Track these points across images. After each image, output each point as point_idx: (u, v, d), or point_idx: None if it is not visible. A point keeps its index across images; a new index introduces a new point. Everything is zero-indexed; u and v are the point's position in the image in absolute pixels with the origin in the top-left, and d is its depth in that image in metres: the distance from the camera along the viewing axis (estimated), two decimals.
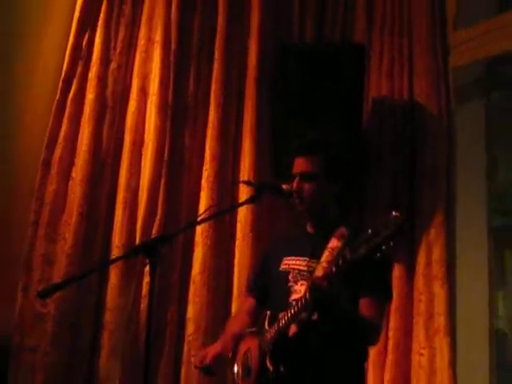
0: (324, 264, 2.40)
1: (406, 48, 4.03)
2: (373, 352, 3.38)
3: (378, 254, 2.09)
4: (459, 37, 4.02)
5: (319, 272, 2.37)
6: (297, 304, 2.33)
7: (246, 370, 2.53)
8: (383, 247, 2.05)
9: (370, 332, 2.49)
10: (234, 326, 2.77)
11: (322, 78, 3.65)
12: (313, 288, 2.24)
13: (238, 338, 2.60)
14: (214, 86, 3.83)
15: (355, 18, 4.23)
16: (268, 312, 2.54)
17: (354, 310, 2.45)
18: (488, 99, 4.16)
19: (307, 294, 2.27)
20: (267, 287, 2.70)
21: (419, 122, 3.90)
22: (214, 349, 2.65)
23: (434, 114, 3.86)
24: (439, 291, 3.62)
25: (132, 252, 2.69)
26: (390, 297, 2.64)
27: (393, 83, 4.02)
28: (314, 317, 2.35)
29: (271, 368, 2.40)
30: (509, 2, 4.08)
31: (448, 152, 3.83)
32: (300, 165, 2.60)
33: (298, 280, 2.52)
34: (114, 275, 3.60)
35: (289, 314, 2.36)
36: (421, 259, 3.71)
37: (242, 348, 2.56)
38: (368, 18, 4.19)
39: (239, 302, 3.53)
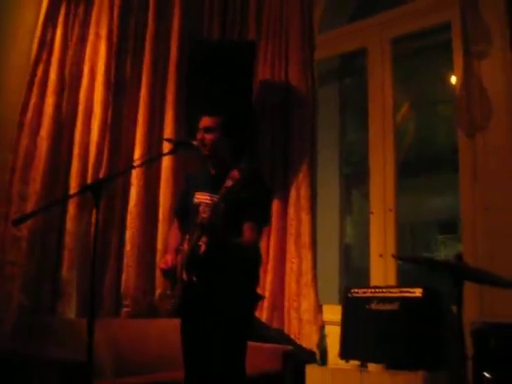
0: (220, 197, 2.74)
1: (284, 44, 5.13)
2: None
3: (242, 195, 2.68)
4: (322, 38, 5.25)
5: (215, 204, 2.73)
6: (197, 228, 2.77)
7: (174, 279, 2.94)
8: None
9: (246, 251, 2.92)
10: (173, 241, 3.16)
11: (225, 65, 4.54)
12: (205, 220, 2.69)
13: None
14: (145, 70, 4.52)
15: (249, 19, 5.22)
16: (187, 235, 2.96)
17: (235, 235, 2.86)
18: (341, 82, 5.50)
19: (202, 222, 2.71)
20: (187, 212, 3.10)
21: (292, 97, 5.02)
22: (171, 257, 2.98)
23: (302, 92, 4.98)
24: (305, 218, 4.76)
25: (81, 190, 3.07)
26: (267, 223, 3.15)
27: (274, 70, 5.14)
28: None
29: (186, 278, 2.83)
30: (355, 16, 5.33)
31: (312, 118, 4.96)
32: (204, 121, 3.06)
33: (205, 211, 2.82)
34: (71, 208, 4.08)
35: (193, 237, 2.80)
36: (292, 195, 4.87)
37: (174, 258, 2.97)
38: (258, 20, 5.25)
39: (168, 224, 4.15)
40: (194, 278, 2.80)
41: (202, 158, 3.13)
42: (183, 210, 3.20)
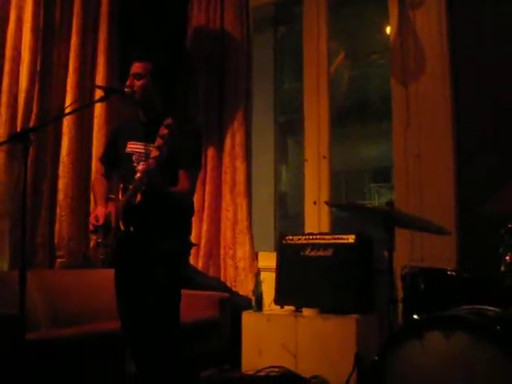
0: (156, 147, 2.72)
1: None
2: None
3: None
4: None
5: (154, 153, 2.72)
6: (137, 180, 2.78)
7: (107, 228, 2.95)
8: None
9: (183, 200, 2.99)
10: (101, 189, 3.18)
11: (157, 11, 4.53)
12: (145, 173, 2.71)
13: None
14: (75, 16, 4.39)
15: None
16: (121, 185, 2.94)
17: (170, 182, 2.90)
18: (276, 30, 5.48)
19: (141, 175, 2.74)
20: (116, 161, 3.12)
21: (227, 45, 4.99)
22: (102, 210, 2.98)
23: (237, 40, 4.96)
24: (240, 166, 4.83)
25: (10, 139, 3.00)
26: (199, 168, 3.14)
27: (209, 17, 5.07)
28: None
29: (123, 227, 2.85)
30: None
31: (247, 66, 4.95)
32: (134, 67, 3.03)
33: (140, 161, 2.95)
34: (0, 157, 4.03)
35: (132, 187, 2.80)
36: (227, 143, 4.91)
37: (106, 210, 2.97)
38: None
39: (96, 169, 4.15)
40: (131, 229, 2.83)
41: (133, 105, 3.10)
42: (111, 158, 3.21)
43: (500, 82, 4.00)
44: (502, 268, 2.52)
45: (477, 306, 2.59)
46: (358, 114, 6.05)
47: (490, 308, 2.56)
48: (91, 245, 3.96)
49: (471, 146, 4.05)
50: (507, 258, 2.49)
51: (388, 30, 4.71)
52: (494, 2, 4.09)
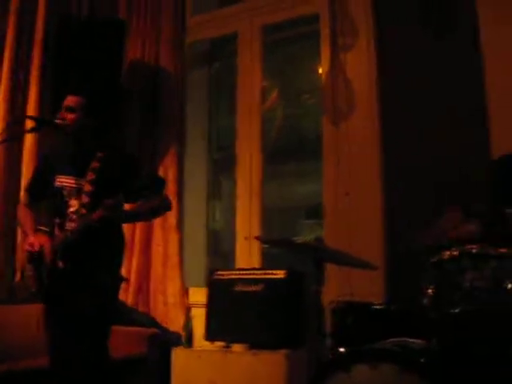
0: (88, 181, 2.82)
1: (155, 25, 5.09)
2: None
3: None
4: (193, 21, 5.25)
5: (87, 188, 2.81)
6: (80, 218, 2.84)
7: (39, 261, 2.93)
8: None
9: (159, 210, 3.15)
10: (29, 220, 3.14)
11: (92, 43, 4.45)
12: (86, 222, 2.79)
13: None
14: (7, 45, 4.47)
15: None
16: (57, 220, 2.97)
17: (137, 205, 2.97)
18: (211, 66, 5.54)
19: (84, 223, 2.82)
20: (43, 192, 3.13)
21: (162, 79, 5.00)
22: (37, 240, 2.96)
23: (172, 74, 4.98)
24: (172, 201, 4.60)
25: None
26: (161, 186, 3.17)
27: (144, 50, 5.08)
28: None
29: (61, 264, 2.87)
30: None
31: (181, 101, 4.98)
32: (67, 101, 3.06)
33: (72, 196, 2.95)
34: None
35: (75, 225, 2.84)
36: None
37: (39, 241, 2.94)
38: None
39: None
40: (68, 265, 2.86)
41: (64, 138, 3.12)
42: (38, 190, 3.19)
43: (426, 122, 4.16)
44: (425, 301, 2.58)
45: (402, 339, 2.63)
46: (292, 152, 6.12)
47: (415, 340, 2.61)
48: (18, 278, 3.97)
49: (399, 184, 4.17)
50: (429, 291, 2.55)
51: (320, 70, 4.83)
52: (422, 46, 4.26)
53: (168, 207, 3.25)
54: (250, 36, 5.11)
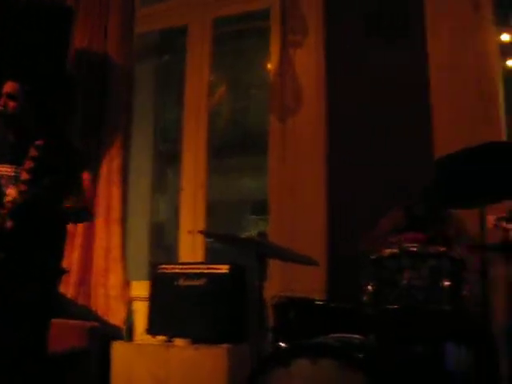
0: (26, 170, 2.74)
1: (104, 14, 4.99)
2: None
3: None
4: (143, 11, 5.18)
5: (24, 176, 2.72)
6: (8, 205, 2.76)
7: None
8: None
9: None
10: None
11: (36, 29, 4.33)
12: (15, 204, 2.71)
13: None
14: None
15: None
16: None
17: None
18: (160, 59, 5.49)
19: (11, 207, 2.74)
20: None
21: (109, 70, 4.90)
22: None
23: (120, 64, 4.90)
24: (116, 192, 4.72)
25: None
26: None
27: (92, 40, 4.98)
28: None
29: None
30: None
31: (128, 92, 4.90)
32: (7, 87, 3.01)
33: (10, 183, 2.90)
34: None
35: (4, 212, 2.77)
36: (104, 168, 4.80)
37: None
38: None
39: None
40: (5, 253, 2.80)
41: (5, 125, 3.05)
42: None
43: (371, 122, 4.22)
44: (365, 298, 2.62)
45: (342, 335, 2.67)
46: (239, 146, 6.13)
47: (355, 336, 2.65)
48: None
49: (344, 182, 4.22)
50: (369, 288, 2.60)
51: (269, 66, 4.85)
52: (370, 47, 4.33)
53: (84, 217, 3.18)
54: (200, 29, 5.09)
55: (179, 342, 3.99)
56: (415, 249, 2.53)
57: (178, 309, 4.09)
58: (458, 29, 4.18)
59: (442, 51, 4.18)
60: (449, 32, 4.21)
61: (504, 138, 4.04)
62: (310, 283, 3.88)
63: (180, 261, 4.65)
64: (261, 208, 5.16)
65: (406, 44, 4.28)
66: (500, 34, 4.50)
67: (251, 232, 6.42)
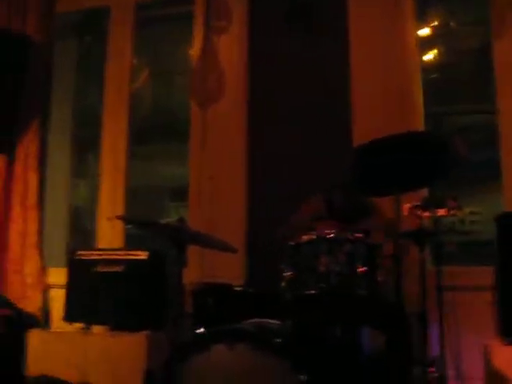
0: None
1: None
2: None
3: None
4: None
5: None
6: None
7: None
8: None
9: None
10: None
11: None
12: None
13: None
14: None
15: None
16: None
17: None
18: (81, 40, 5.35)
19: None
20: None
21: (28, 48, 4.67)
22: None
23: (39, 44, 4.72)
24: (32, 177, 4.62)
25: None
26: None
27: (10, 16, 4.83)
28: None
29: None
30: None
31: (47, 74, 4.78)
32: None
33: None
34: None
35: None
36: (20, 152, 4.68)
37: None
38: None
39: None
40: None
41: None
42: None
43: (293, 111, 4.26)
44: (283, 284, 2.65)
45: (260, 320, 2.70)
46: (161, 132, 6.07)
47: (272, 321, 2.68)
48: None
49: (264, 170, 4.25)
50: (287, 273, 2.63)
51: (191, 51, 4.81)
52: (293, 37, 4.37)
53: None
54: (122, 13, 5.00)
55: (97, 329, 3.93)
56: (332, 235, 2.57)
57: (95, 296, 4.01)
58: (379, 21, 4.28)
59: (362, 43, 4.27)
60: (370, 24, 4.31)
61: (421, 128, 4.17)
62: (229, 270, 3.90)
63: (98, 247, 4.56)
64: (182, 194, 5.12)
65: (328, 35, 4.34)
66: (420, 28, 4.61)
67: (172, 218, 6.40)
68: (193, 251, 3.50)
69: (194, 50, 4.69)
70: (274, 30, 4.46)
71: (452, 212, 3.25)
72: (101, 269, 4.04)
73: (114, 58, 4.93)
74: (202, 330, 2.80)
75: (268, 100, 4.36)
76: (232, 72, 4.48)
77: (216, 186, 4.31)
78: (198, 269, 3.99)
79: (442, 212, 3.22)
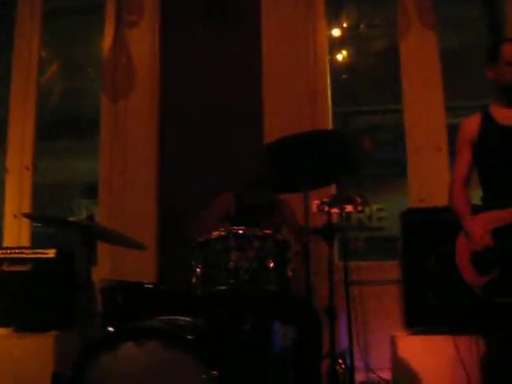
0: None
1: None
2: None
3: None
4: None
5: None
6: None
7: None
8: None
9: None
10: None
11: None
12: None
13: None
14: None
15: None
16: None
17: None
18: None
19: None
20: None
21: None
22: None
23: None
24: None
25: None
26: None
27: None
28: None
29: None
30: None
31: None
32: None
33: None
34: None
35: None
36: None
37: None
38: None
39: None
40: None
41: None
42: None
43: (205, 107, 4.26)
44: (194, 280, 2.65)
45: (171, 317, 2.68)
46: (71, 127, 5.92)
47: (183, 318, 2.67)
48: None
49: (176, 166, 4.23)
50: (198, 270, 2.63)
51: (103, 45, 4.73)
52: (205, 33, 4.37)
53: None
54: (29, 3, 4.85)
55: (2, 330, 3.81)
56: (242, 231, 2.59)
57: (1, 296, 3.89)
58: (291, 20, 4.34)
59: (274, 41, 4.33)
60: (281, 22, 4.37)
61: (330, 127, 4.26)
62: (141, 267, 3.87)
63: (4, 245, 4.42)
64: (91, 191, 5.03)
65: (241, 31, 4.37)
66: (331, 29, 4.71)
67: (82, 216, 6.26)
68: (104, 249, 3.47)
69: (105, 44, 4.61)
70: (187, 25, 4.46)
71: (359, 208, 3.34)
72: (6, 268, 3.92)
73: (21, 50, 4.80)
74: (111, 328, 2.75)
75: (180, 94, 4.34)
76: (144, 66, 4.45)
77: (127, 182, 4.26)
78: (109, 267, 3.93)
79: (349, 208, 3.31)
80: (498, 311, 2.74)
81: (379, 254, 4.56)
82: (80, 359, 2.52)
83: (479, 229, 2.78)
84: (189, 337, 2.45)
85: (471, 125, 3.00)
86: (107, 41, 4.59)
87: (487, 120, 2.97)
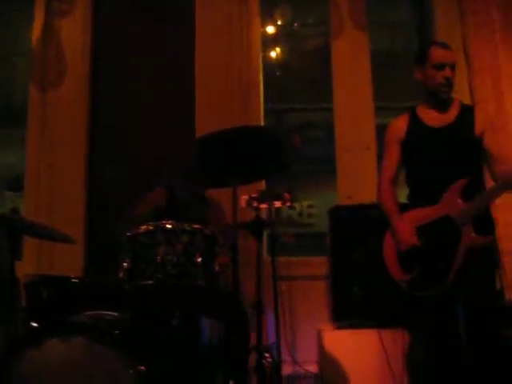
0: None
1: None
2: None
3: None
4: None
5: None
6: None
7: None
8: None
9: None
10: None
11: None
12: None
13: None
14: None
15: None
16: None
17: None
18: None
19: None
20: None
21: None
22: None
23: None
24: None
25: None
26: None
27: None
28: None
29: None
30: None
31: None
32: None
33: None
34: None
35: None
36: None
37: None
38: None
39: None
40: None
41: None
42: None
43: (138, 100, 4.22)
44: (121, 274, 2.62)
45: (97, 312, 2.65)
46: (0, 117, 5.76)
47: (110, 313, 2.65)
48: None
49: (106, 159, 4.18)
50: (125, 264, 2.60)
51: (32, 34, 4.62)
52: (139, 24, 4.33)
53: None
54: None
55: None
56: (170, 225, 2.58)
57: None
58: (225, 16, 4.34)
59: (207, 36, 4.32)
60: (216, 18, 4.36)
61: (261, 123, 4.30)
62: (69, 261, 3.81)
63: None
64: (17, 184, 4.90)
65: (175, 23, 4.35)
66: (265, 27, 4.74)
67: (6, 209, 6.10)
68: (30, 243, 3.38)
69: (35, 33, 4.50)
70: (119, 14, 4.41)
71: (287, 204, 3.38)
72: None
73: None
74: (36, 324, 2.70)
75: (111, 85, 4.29)
76: (75, 56, 4.37)
77: (55, 174, 4.18)
78: (35, 261, 3.85)
79: (277, 204, 3.34)
80: (422, 305, 2.83)
81: (309, 250, 4.61)
82: (4, 355, 2.47)
83: (407, 227, 2.86)
84: (115, 332, 2.43)
85: (399, 125, 3.07)
86: (36, 31, 4.48)
87: (415, 121, 3.04)
